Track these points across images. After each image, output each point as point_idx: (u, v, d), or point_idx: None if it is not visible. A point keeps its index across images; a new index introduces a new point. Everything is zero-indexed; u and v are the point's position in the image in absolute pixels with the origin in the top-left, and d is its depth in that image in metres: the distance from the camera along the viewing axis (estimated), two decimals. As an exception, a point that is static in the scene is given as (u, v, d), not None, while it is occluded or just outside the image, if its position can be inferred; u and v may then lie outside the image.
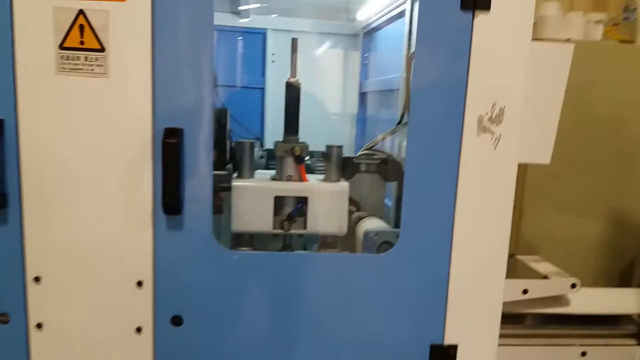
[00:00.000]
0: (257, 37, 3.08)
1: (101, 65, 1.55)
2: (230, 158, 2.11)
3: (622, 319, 2.21)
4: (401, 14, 2.56)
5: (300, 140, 1.95)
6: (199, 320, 1.69)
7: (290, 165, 1.92)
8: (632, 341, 2.16)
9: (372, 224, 2.02)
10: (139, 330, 1.67)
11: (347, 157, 2.06)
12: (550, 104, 1.82)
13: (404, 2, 2.48)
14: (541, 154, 1.84)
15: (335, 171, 1.95)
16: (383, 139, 2.31)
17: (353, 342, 1.77)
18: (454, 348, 1.77)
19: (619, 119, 2.73)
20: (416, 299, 1.75)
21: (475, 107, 1.66)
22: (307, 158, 2.09)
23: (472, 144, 1.67)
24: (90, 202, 1.60)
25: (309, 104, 2.07)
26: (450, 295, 1.74)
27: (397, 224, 1.76)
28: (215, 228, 1.68)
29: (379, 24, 2.94)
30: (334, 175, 1.95)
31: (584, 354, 2.09)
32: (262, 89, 3.10)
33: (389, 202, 2.30)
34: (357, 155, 2.20)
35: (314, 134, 2.11)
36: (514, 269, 2.33)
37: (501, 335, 1.79)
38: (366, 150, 2.29)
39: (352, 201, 2.08)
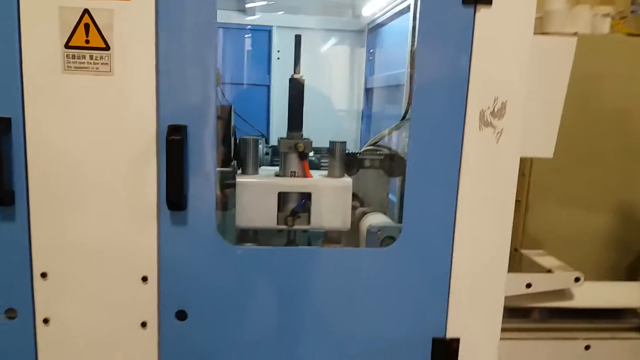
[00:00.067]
0: (262, 35, 3.08)
1: (106, 64, 1.57)
2: (235, 155, 2.13)
3: (627, 313, 2.20)
4: (406, 9, 2.56)
5: (307, 136, 1.96)
6: (204, 315, 1.71)
7: (294, 161, 1.93)
8: (637, 334, 2.16)
9: (375, 219, 2.03)
10: (144, 325, 1.69)
11: (351, 153, 2.07)
12: (553, 97, 1.82)
13: (409, -3, 2.48)
14: (544, 147, 1.84)
15: (339, 167, 1.96)
16: (387, 135, 2.31)
17: (356, 335, 1.78)
18: (456, 341, 1.77)
19: (626, 112, 2.71)
20: (419, 293, 1.76)
21: (477, 102, 1.66)
22: (311, 154, 2.11)
23: (474, 138, 1.68)
24: (96, 198, 1.62)
25: (315, 101, 2.08)
26: (452, 289, 1.75)
27: (401, 219, 1.77)
28: (221, 225, 1.69)
29: (384, 20, 2.94)
30: (338, 171, 1.95)
31: (587, 347, 2.09)
32: (268, 86, 3.11)
33: (394, 198, 2.30)
34: (361, 151, 2.21)
35: (320, 131, 2.12)
36: (519, 263, 2.33)
37: (507, 329, 1.80)
38: (370, 145, 2.30)
39: (356, 197, 2.09)
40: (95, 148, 1.60)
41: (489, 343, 1.80)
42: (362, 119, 3.22)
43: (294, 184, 1.91)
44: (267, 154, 2.36)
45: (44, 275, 1.64)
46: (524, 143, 1.70)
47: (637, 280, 2.60)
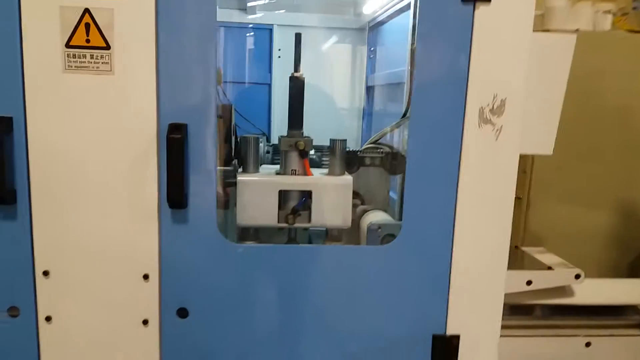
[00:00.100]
0: (263, 33, 3.08)
1: (106, 63, 1.58)
2: (236, 153, 2.13)
3: (628, 309, 2.20)
4: (407, 7, 2.56)
5: (308, 134, 1.96)
6: (205, 313, 1.72)
7: (294, 160, 1.94)
8: (637, 331, 2.15)
9: (376, 216, 2.04)
10: (145, 322, 1.70)
11: (351, 151, 2.07)
12: (553, 95, 1.82)
13: (410, -6, 2.48)
14: (543, 145, 1.84)
15: (340, 165, 1.96)
16: (389, 132, 2.31)
17: (357, 333, 1.79)
18: (456, 338, 1.78)
19: (627, 109, 2.71)
20: (419, 290, 1.77)
21: (476, 99, 1.67)
22: (312, 152, 2.11)
23: (474, 136, 1.68)
24: (97, 197, 1.63)
25: (316, 99, 2.08)
26: (452, 286, 1.75)
27: (401, 217, 1.77)
28: (222, 223, 1.70)
29: (385, 18, 2.94)
30: (338, 169, 1.96)
31: (588, 344, 2.09)
32: (269, 85, 3.11)
33: (394, 196, 2.31)
34: (362, 149, 2.21)
35: (321, 129, 2.12)
36: (521, 261, 2.33)
37: (509, 327, 1.79)
38: (371, 143, 2.30)
39: (356, 194, 2.09)
40: (96, 147, 1.61)
41: (489, 340, 1.80)
42: (363, 117, 3.21)
43: (294, 182, 1.91)
44: (268, 152, 2.36)
45: (46, 273, 1.65)
46: (523, 140, 1.70)
47: (639, 277, 2.61)
